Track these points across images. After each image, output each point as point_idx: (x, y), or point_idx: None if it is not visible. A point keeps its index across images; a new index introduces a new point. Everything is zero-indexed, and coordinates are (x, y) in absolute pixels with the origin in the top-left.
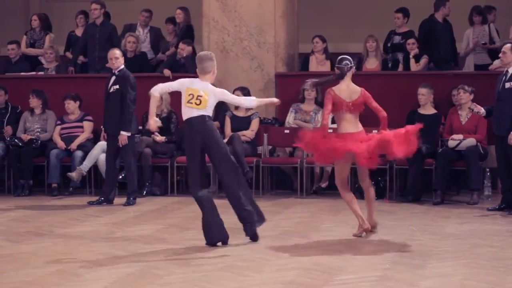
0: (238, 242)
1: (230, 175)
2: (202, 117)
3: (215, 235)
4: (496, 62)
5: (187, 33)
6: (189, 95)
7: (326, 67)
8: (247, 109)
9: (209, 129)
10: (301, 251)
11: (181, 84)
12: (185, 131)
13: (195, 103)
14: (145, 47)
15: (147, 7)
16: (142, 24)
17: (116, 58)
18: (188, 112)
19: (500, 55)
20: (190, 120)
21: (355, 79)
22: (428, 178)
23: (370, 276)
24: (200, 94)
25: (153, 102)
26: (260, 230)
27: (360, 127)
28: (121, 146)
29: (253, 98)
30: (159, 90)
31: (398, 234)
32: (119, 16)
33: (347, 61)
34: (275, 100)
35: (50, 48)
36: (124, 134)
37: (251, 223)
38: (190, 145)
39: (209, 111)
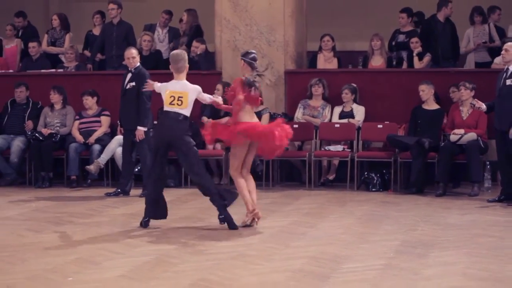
0: (249, 232)
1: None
2: (178, 115)
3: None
4: (498, 60)
5: (197, 33)
6: (170, 97)
7: (333, 64)
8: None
9: (180, 128)
10: (309, 240)
11: (162, 87)
12: (158, 121)
13: (177, 104)
14: (164, 46)
15: (161, 8)
16: (161, 25)
17: (133, 58)
18: (169, 108)
19: (503, 52)
20: (168, 113)
21: (362, 76)
22: (431, 171)
23: (375, 265)
24: (180, 96)
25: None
26: (271, 220)
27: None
28: (138, 140)
29: (212, 97)
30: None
31: (402, 224)
32: (134, 16)
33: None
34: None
35: (70, 49)
36: (140, 129)
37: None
38: (158, 134)
39: (188, 110)
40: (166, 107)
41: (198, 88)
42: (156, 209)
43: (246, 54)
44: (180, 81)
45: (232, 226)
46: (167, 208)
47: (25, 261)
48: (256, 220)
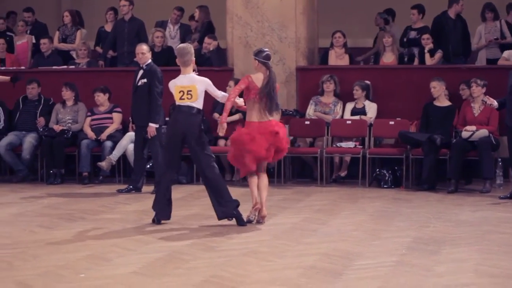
0: (261, 228)
1: (208, 169)
2: (191, 108)
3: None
4: (506, 53)
5: (208, 29)
6: (180, 92)
7: (345, 61)
8: None
9: (194, 122)
10: (321, 237)
11: (171, 87)
12: (172, 116)
13: (187, 98)
14: (175, 43)
15: (172, 4)
16: (173, 22)
17: (143, 54)
18: (181, 103)
19: None
20: (181, 107)
21: (373, 73)
22: (442, 168)
23: (387, 261)
24: (189, 89)
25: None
26: (282, 217)
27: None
28: (149, 137)
29: (226, 94)
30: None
31: (414, 221)
32: (145, 13)
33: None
34: (238, 102)
35: (83, 45)
36: (152, 126)
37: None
38: (171, 129)
39: (200, 102)
40: (178, 102)
41: (206, 80)
42: (164, 208)
43: (259, 53)
44: (187, 75)
45: (240, 222)
46: (171, 208)
47: (37, 258)
48: (261, 218)
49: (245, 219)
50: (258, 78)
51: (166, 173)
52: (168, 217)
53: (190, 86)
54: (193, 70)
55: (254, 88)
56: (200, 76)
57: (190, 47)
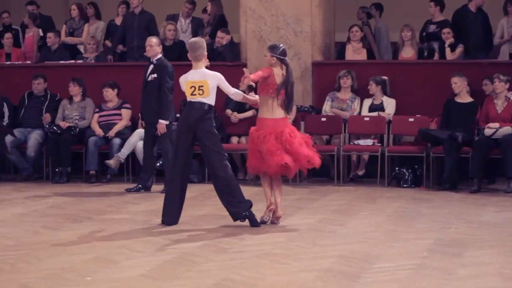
0: (274, 230)
1: (220, 168)
2: (203, 104)
3: (166, 216)
4: None
5: (221, 23)
6: (191, 87)
7: (362, 55)
8: None
9: (206, 119)
10: (338, 238)
11: (181, 82)
12: (182, 113)
13: (199, 94)
14: (187, 36)
15: None
16: (184, 15)
17: (151, 46)
18: (192, 99)
19: None
20: (192, 104)
21: (392, 68)
22: (464, 166)
23: (407, 264)
24: (200, 85)
25: None
26: (298, 217)
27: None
28: (159, 134)
29: (241, 92)
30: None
31: (435, 222)
32: (156, 6)
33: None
34: (253, 98)
35: (92, 39)
36: (162, 123)
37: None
38: (182, 126)
39: (212, 98)
40: (189, 98)
41: (218, 75)
42: (172, 212)
43: (275, 48)
44: (198, 70)
45: (254, 223)
46: (181, 212)
47: (41, 260)
48: (276, 219)
49: (259, 220)
50: (278, 74)
51: (182, 172)
52: (175, 222)
53: (202, 82)
54: (205, 65)
55: (273, 83)
56: (212, 71)
57: (202, 41)
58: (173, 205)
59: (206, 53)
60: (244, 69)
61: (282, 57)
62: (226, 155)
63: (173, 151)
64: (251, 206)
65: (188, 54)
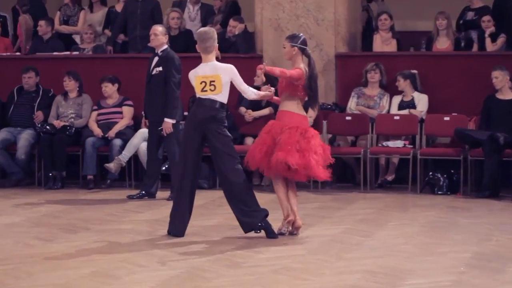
0: (294, 242)
1: (232, 172)
2: (214, 102)
3: (173, 226)
4: None
5: (233, 10)
6: (201, 83)
7: (391, 46)
8: None
9: (217, 118)
10: (365, 251)
11: (191, 77)
12: (191, 110)
13: (210, 89)
14: (195, 25)
15: None
16: (192, 1)
17: (155, 35)
18: (202, 96)
19: None
20: (202, 101)
21: (425, 60)
22: (507, 171)
23: (442, 281)
24: (212, 80)
25: None
26: (319, 228)
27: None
28: (165, 135)
29: (255, 91)
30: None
31: (473, 233)
32: None
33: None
34: (269, 93)
35: (89, 28)
36: (168, 122)
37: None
38: (190, 125)
39: (224, 95)
40: (199, 95)
41: (231, 68)
42: (178, 221)
43: (294, 38)
44: (209, 63)
45: (270, 234)
46: (188, 222)
47: (33, 275)
48: (296, 229)
49: (276, 232)
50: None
51: (190, 177)
52: (181, 233)
53: (213, 76)
54: (216, 58)
55: (302, 84)
56: (224, 64)
57: (212, 32)
58: (181, 214)
59: (217, 44)
60: (243, 112)
61: (304, 47)
62: (239, 158)
63: (180, 154)
64: (267, 215)
65: (197, 46)
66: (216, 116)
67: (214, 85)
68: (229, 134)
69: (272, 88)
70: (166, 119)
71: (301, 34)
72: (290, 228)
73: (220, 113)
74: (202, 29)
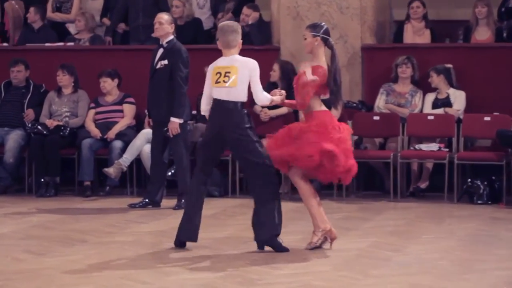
0: (315, 257)
1: (259, 180)
2: (231, 104)
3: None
4: None
5: None
6: (217, 74)
7: (425, 37)
8: None
9: (235, 121)
10: (396, 268)
11: (209, 70)
12: (210, 111)
13: (223, 81)
14: (204, 13)
15: None
16: None
17: (160, 24)
18: (217, 92)
19: None
20: (218, 101)
21: (462, 53)
22: None
23: None
24: (228, 71)
25: None
26: (344, 241)
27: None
28: (171, 136)
29: (268, 96)
30: (204, 106)
31: None
32: None
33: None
34: (280, 98)
35: (80, 15)
36: (175, 121)
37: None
38: (209, 128)
39: (242, 92)
40: (213, 87)
41: (253, 62)
42: (189, 225)
43: (316, 27)
44: (230, 56)
45: (278, 248)
46: (199, 226)
47: None
48: (330, 240)
49: (308, 246)
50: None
51: (201, 177)
52: (194, 238)
53: (230, 67)
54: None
55: (324, 82)
56: (245, 58)
57: (237, 25)
58: (194, 218)
59: (241, 40)
60: (258, 111)
61: (327, 37)
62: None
63: (187, 157)
64: (277, 235)
65: (218, 41)
66: (234, 119)
67: (229, 76)
68: (254, 137)
69: (283, 91)
70: (172, 119)
71: (324, 23)
72: (330, 240)
73: (238, 114)
74: (226, 22)
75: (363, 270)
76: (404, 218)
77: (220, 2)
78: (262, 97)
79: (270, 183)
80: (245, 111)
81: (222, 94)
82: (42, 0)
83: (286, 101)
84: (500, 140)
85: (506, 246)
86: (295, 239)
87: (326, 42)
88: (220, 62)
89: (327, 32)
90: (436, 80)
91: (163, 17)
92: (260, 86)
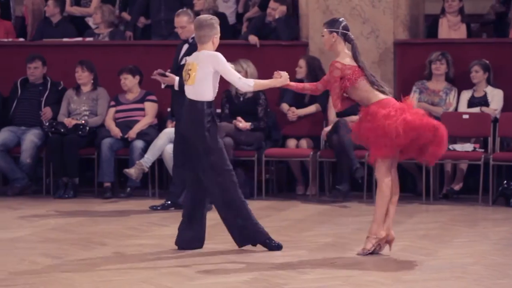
0: (344, 261)
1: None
2: (193, 102)
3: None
4: None
5: None
6: (184, 71)
7: (460, 32)
8: None
9: (193, 120)
10: (428, 272)
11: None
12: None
13: (185, 78)
14: (229, 7)
15: None
16: None
17: (183, 28)
18: (186, 90)
19: None
20: (186, 99)
21: (500, 49)
22: None
23: None
24: (189, 68)
25: None
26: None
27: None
28: None
29: (251, 81)
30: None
31: None
32: None
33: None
34: (278, 80)
35: (98, 9)
36: None
37: None
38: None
39: (202, 91)
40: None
41: (213, 55)
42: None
43: (334, 23)
44: (198, 52)
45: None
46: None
47: None
48: (388, 245)
49: (360, 252)
50: (348, 58)
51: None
52: (201, 244)
53: (191, 64)
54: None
55: (355, 72)
56: (210, 51)
57: (212, 20)
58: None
59: (218, 35)
60: (285, 109)
61: (346, 32)
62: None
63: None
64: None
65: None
66: (194, 120)
67: (189, 74)
68: (211, 144)
69: (283, 72)
70: None
71: (342, 19)
72: (382, 246)
73: (198, 114)
74: (201, 16)
75: (393, 274)
76: (436, 221)
77: None
78: (241, 84)
79: (223, 190)
80: (208, 111)
81: (188, 92)
82: None
83: (292, 83)
84: None
85: None
86: (325, 242)
87: (345, 37)
88: (189, 59)
89: (346, 27)
90: (481, 77)
91: (183, 20)
92: (235, 74)
